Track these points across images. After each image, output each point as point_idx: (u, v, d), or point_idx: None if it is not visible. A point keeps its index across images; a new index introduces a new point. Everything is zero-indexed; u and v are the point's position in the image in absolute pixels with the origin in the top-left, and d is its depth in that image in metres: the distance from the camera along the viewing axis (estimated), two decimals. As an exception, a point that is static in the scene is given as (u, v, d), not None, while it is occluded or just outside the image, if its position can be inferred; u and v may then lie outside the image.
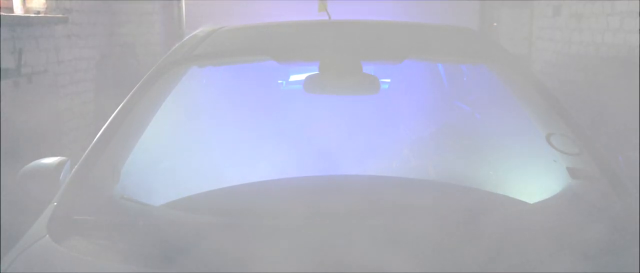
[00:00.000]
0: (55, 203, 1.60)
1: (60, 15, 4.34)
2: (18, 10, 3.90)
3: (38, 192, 1.77)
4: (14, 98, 3.68)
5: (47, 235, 1.48)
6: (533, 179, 1.89)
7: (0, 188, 3.28)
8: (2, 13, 3.64)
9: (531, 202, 1.79)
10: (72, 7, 4.68)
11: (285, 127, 2.35)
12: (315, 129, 2.37)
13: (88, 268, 1.37)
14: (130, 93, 1.95)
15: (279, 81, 3.03)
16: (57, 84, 4.42)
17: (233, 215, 1.65)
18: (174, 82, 2.07)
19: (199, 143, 2.25)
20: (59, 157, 1.87)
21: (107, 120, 1.87)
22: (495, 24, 6.13)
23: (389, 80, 2.85)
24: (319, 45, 2.19)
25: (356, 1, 5.28)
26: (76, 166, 1.73)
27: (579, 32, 4.68)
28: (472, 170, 2.09)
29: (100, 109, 5.09)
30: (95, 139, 1.80)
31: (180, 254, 1.38)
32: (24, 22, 3.88)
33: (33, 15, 3.99)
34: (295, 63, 2.54)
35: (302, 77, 2.22)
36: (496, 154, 2.13)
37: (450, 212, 1.62)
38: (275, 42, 2.23)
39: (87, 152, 1.76)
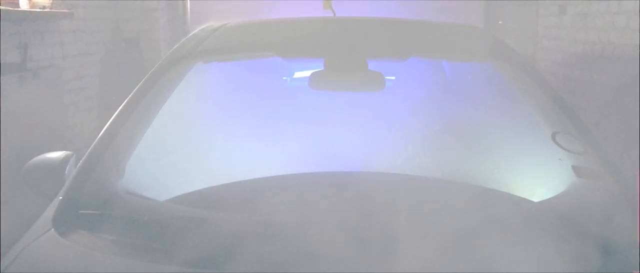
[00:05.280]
0: (61, 198, 1.61)
1: (65, 11, 4.35)
2: (24, 5, 3.90)
3: (43, 187, 1.77)
4: (19, 92, 3.69)
5: (53, 229, 1.49)
6: (538, 178, 1.88)
7: (4, 182, 3.29)
8: (8, 8, 3.65)
9: (536, 201, 1.79)
10: (77, 3, 4.69)
11: (289, 124, 2.35)
12: (320, 125, 2.37)
13: (93, 262, 1.38)
14: (136, 88, 1.95)
15: (284, 78, 3.02)
16: (62, 79, 4.43)
17: (237, 211, 1.65)
18: (178, 77, 2.08)
19: (203, 139, 2.25)
20: (64, 152, 1.87)
21: (112, 115, 1.87)
22: (500, 22, 6.12)
23: (393, 78, 2.85)
24: (324, 41, 2.19)
25: (361, -1, 5.28)
26: (81, 161, 1.73)
27: (585, 31, 4.67)
28: (476, 168, 2.09)
29: (105, 104, 5.11)
30: (100, 134, 1.81)
31: (184, 249, 1.38)
32: (29, 17, 3.89)
33: (38, 10, 4.00)
34: (300, 59, 2.54)
35: (306, 73, 2.22)
36: (501, 152, 2.12)
37: (454, 209, 1.62)
38: (280, 39, 2.23)
39: (92, 146, 1.76)
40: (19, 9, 3.84)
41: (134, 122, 1.86)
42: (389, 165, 2.26)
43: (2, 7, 3.54)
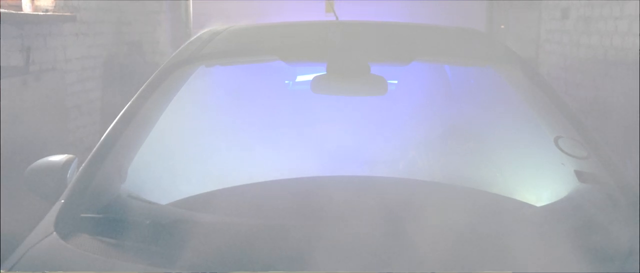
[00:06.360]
0: (63, 201, 1.61)
1: (68, 14, 4.36)
2: (27, 8, 3.91)
3: (45, 190, 1.77)
4: (21, 95, 3.70)
5: (55, 233, 1.49)
6: (540, 182, 1.88)
7: (7, 185, 3.29)
8: (11, 11, 3.65)
9: (538, 205, 1.79)
10: (80, 6, 4.70)
11: (291, 128, 2.35)
12: (322, 129, 2.38)
13: (95, 266, 1.38)
14: (138, 91, 1.96)
15: (286, 81, 3.03)
16: (64, 82, 4.43)
17: (239, 215, 1.65)
18: (181, 81, 2.08)
19: (206, 143, 2.25)
20: (66, 155, 1.87)
21: (115, 118, 1.87)
22: (502, 26, 6.12)
23: (396, 81, 2.85)
24: (327, 45, 2.20)
25: (363, 2, 5.29)
26: (83, 164, 1.73)
27: (587, 35, 4.67)
28: (479, 173, 2.09)
29: (108, 107, 5.11)
30: (102, 137, 1.81)
31: (186, 253, 1.38)
32: (32, 20, 3.90)
33: (41, 13, 4.00)
34: (302, 63, 2.54)
35: (308, 77, 2.22)
36: (503, 157, 2.12)
37: (456, 214, 1.61)
38: (282, 42, 2.23)
39: (94, 150, 1.77)
40: (22, 12, 3.85)
41: (137, 125, 1.86)
42: (391, 169, 2.26)
43: (4, 10, 3.55)
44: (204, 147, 2.23)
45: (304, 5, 5.33)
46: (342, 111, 2.47)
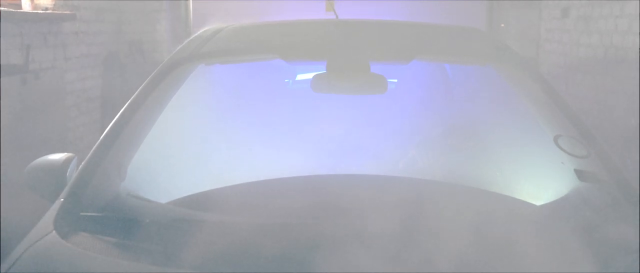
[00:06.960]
0: (62, 200, 1.61)
1: (68, 12, 4.36)
2: (26, 6, 3.91)
3: (45, 188, 1.77)
4: (21, 94, 3.70)
5: (54, 231, 1.48)
6: (540, 181, 1.88)
7: (7, 183, 3.29)
8: (10, 9, 3.65)
9: (538, 204, 1.79)
10: (80, 5, 4.70)
11: (291, 126, 2.35)
12: (322, 128, 2.38)
13: (94, 265, 1.38)
14: (138, 90, 1.95)
15: (286, 80, 3.03)
16: (64, 81, 4.43)
17: (239, 213, 1.65)
18: (181, 79, 2.08)
19: (205, 141, 2.25)
20: (66, 154, 1.87)
21: (114, 117, 1.87)
22: (503, 25, 6.11)
23: (396, 80, 2.85)
24: (327, 44, 2.20)
25: (364, 1, 5.29)
26: (83, 163, 1.73)
27: (588, 34, 4.67)
28: (478, 172, 2.09)
29: (107, 105, 5.11)
30: (102, 136, 1.81)
31: (186, 252, 1.38)
32: (32, 18, 3.89)
33: (41, 11, 4.00)
34: (302, 62, 2.54)
35: (309, 76, 2.22)
36: (503, 156, 2.12)
37: (455, 212, 1.61)
38: (282, 41, 2.23)
39: (94, 148, 1.76)
40: (22, 10, 3.84)
41: (136, 124, 1.86)
42: (391, 168, 2.25)
43: (4, 8, 3.55)
44: (204, 146, 2.23)
45: (304, 5, 5.32)
46: (342, 110, 2.47)
